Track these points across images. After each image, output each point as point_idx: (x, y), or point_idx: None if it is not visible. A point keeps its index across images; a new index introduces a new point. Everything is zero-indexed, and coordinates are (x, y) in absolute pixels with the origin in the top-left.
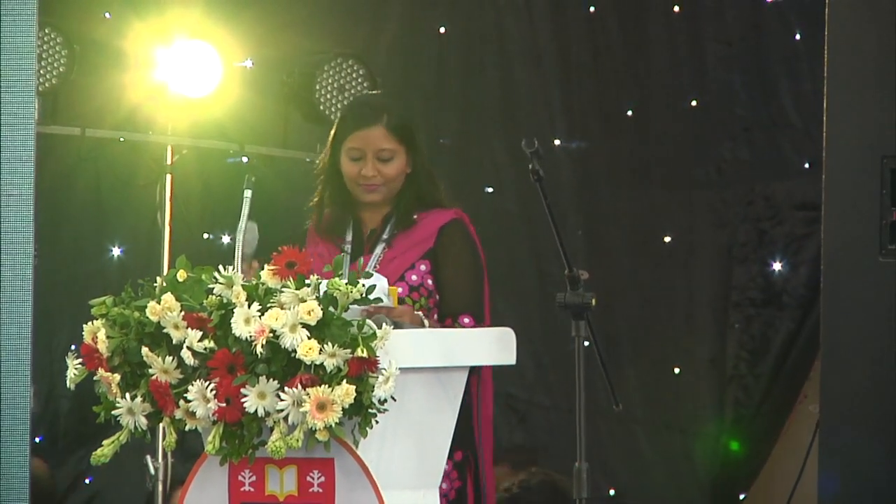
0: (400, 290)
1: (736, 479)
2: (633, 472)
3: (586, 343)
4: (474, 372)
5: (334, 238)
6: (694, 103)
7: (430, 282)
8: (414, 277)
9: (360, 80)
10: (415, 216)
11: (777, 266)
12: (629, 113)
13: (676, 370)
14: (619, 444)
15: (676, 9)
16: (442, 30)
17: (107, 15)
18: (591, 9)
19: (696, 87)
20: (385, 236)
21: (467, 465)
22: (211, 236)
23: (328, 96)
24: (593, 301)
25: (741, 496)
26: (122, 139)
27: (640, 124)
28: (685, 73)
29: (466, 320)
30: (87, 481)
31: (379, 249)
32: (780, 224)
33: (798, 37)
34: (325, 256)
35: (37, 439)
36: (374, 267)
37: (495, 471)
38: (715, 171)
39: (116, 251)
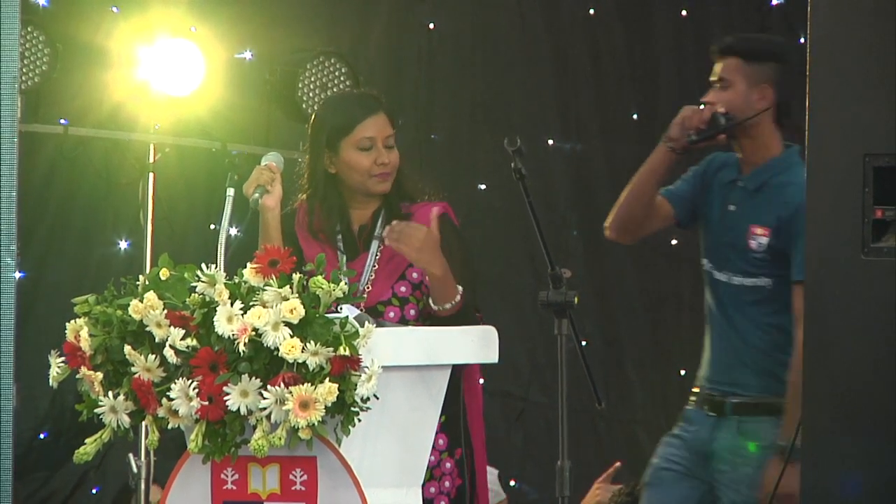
0: (403, 288)
1: None
2: (635, 472)
3: (584, 343)
4: (463, 370)
5: (330, 238)
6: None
7: (428, 278)
8: (415, 275)
9: (342, 78)
10: (403, 211)
11: None
12: (634, 116)
13: (682, 372)
14: (620, 444)
15: (683, 13)
16: (431, 25)
17: (114, 9)
18: (591, 11)
19: (703, 90)
20: (377, 233)
21: (465, 463)
22: (216, 226)
23: (311, 94)
24: (576, 299)
25: None
26: (130, 139)
27: (647, 128)
28: (693, 77)
29: None
30: (93, 491)
31: (374, 247)
32: None
33: (803, 40)
34: (325, 253)
35: (41, 435)
36: (373, 265)
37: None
38: None
39: (123, 244)
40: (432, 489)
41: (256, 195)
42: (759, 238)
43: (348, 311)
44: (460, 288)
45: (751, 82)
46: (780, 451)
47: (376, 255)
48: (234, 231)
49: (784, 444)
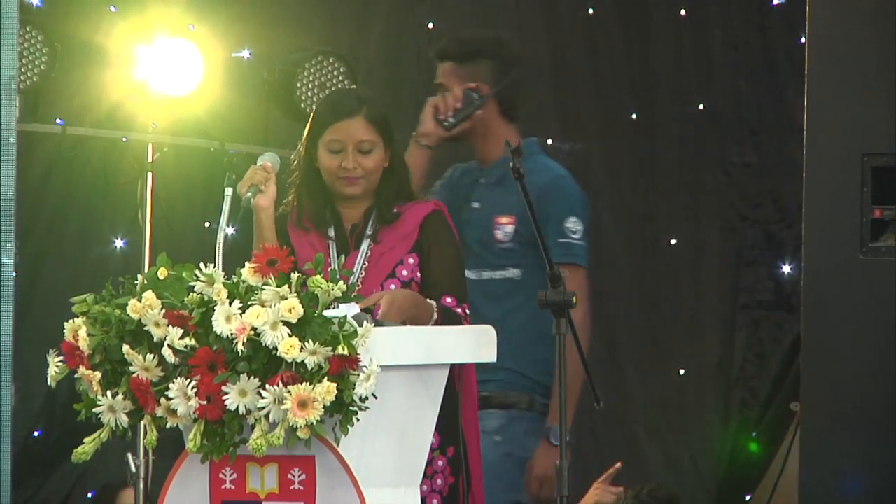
0: (392, 286)
1: (741, 481)
2: (635, 472)
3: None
4: (455, 369)
5: (319, 233)
6: (701, 107)
7: (419, 275)
8: (405, 273)
9: (340, 77)
10: (395, 210)
11: (786, 269)
12: (633, 116)
13: (681, 371)
14: (620, 444)
15: (682, 12)
16: (430, 25)
17: (112, 9)
18: (590, 10)
19: (702, 90)
20: (369, 231)
21: (458, 461)
22: (212, 224)
23: (309, 94)
24: (574, 299)
25: (747, 497)
26: (124, 139)
27: (646, 127)
28: (691, 77)
29: (449, 300)
30: (89, 495)
31: (365, 245)
32: (790, 227)
33: (803, 39)
34: (316, 250)
35: (35, 433)
36: (363, 263)
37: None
38: (722, 174)
39: (119, 243)
40: (424, 487)
41: (249, 195)
42: (505, 227)
43: (348, 309)
44: (433, 303)
45: (464, 83)
46: (547, 436)
47: (366, 254)
48: (230, 231)
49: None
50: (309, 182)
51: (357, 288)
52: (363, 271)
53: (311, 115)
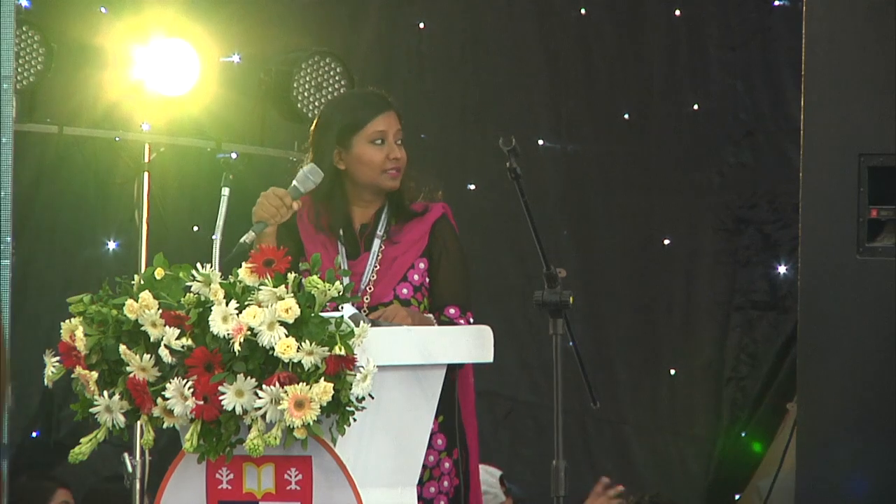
0: (405, 290)
1: (730, 480)
2: (624, 472)
3: (571, 343)
4: (456, 370)
5: (331, 233)
6: (696, 107)
7: (427, 280)
8: (416, 277)
9: (337, 77)
10: (418, 210)
11: (782, 269)
12: (626, 116)
13: (672, 372)
14: (609, 444)
15: (677, 13)
16: (421, 25)
17: (103, 10)
18: (582, 11)
19: (698, 91)
20: (380, 231)
21: (459, 463)
22: (198, 228)
23: (305, 94)
24: (571, 299)
25: (737, 496)
26: (117, 139)
27: (640, 128)
28: (687, 78)
29: (452, 311)
30: None
31: (376, 246)
32: (785, 227)
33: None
34: (327, 249)
35: (33, 434)
36: (375, 266)
37: None
38: (717, 174)
39: (112, 245)
40: (432, 489)
41: (253, 234)
42: None
43: (347, 309)
44: (431, 317)
45: None
46: None
47: (378, 256)
48: (217, 237)
49: None
50: (330, 186)
51: (370, 290)
52: (374, 274)
53: (334, 117)
